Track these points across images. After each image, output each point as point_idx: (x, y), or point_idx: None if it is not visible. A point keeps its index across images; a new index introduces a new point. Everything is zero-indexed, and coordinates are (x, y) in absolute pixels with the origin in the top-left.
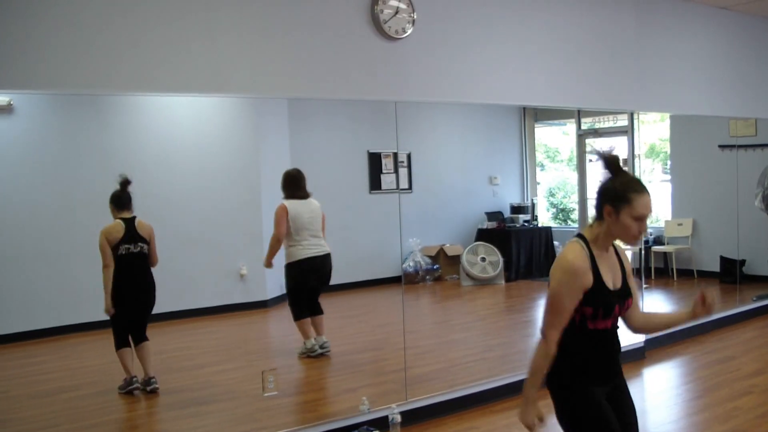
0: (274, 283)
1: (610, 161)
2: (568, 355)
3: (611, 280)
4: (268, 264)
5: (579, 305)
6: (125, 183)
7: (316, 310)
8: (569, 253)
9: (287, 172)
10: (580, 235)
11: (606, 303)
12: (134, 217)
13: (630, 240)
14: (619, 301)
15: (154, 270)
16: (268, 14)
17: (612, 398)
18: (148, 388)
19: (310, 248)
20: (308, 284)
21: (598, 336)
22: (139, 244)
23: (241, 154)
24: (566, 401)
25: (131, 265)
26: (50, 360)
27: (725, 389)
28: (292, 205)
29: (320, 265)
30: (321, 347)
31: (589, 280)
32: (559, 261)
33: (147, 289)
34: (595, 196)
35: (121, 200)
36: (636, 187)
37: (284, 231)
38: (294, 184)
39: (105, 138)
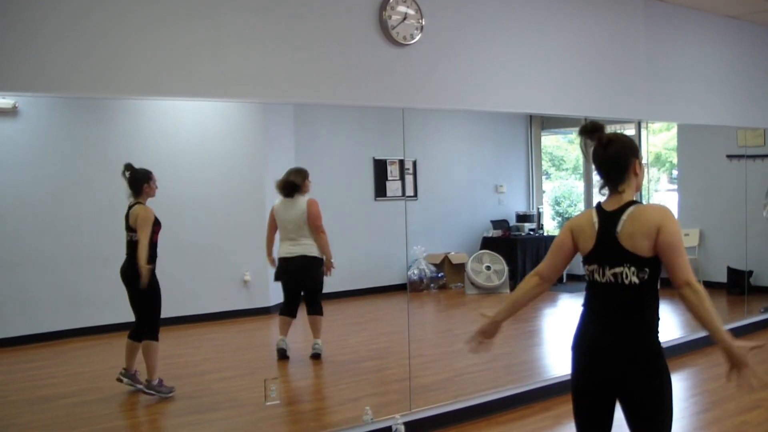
0: (277, 290)
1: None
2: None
3: None
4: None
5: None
6: (124, 169)
7: (308, 310)
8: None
9: None
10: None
11: None
12: (132, 204)
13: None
14: None
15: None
16: (276, 19)
17: None
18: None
19: (285, 249)
20: (285, 284)
21: None
22: (129, 233)
23: (246, 159)
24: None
25: (129, 255)
26: (50, 365)
27: (733, 403)
28: (277, 204)
29: (293, 267)
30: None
31: None
32: (666, 210)
33: (128, 281)
34: (610, 162)
35: (129, 185)
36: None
37: (270, 229)
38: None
39: (109, 142)
